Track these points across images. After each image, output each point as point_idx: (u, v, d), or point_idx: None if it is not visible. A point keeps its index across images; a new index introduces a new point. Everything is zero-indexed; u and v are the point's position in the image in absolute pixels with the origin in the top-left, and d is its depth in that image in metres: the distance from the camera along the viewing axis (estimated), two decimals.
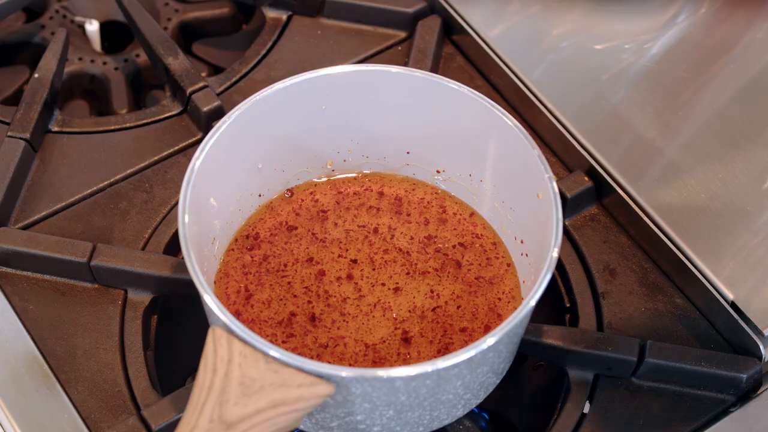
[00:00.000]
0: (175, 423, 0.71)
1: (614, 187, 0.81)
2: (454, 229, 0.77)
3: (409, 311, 0.73)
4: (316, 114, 0.76)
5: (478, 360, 0.65)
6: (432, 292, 0.74)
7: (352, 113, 0.76)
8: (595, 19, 0.91)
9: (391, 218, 0.78)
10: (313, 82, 0.74)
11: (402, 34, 0.93)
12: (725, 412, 0.75)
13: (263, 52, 0.92)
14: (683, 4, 0.92)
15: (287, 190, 0.79)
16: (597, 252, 0.81)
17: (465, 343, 0.71)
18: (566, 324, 0.80)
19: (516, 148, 0.72)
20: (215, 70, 0.98)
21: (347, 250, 0.76)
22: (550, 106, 0.85)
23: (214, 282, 0.74)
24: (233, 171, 0.74)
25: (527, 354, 0.80)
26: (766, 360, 0.75)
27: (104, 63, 0.96)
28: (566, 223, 0.82)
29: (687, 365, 0.74)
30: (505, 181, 0.75)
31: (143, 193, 0.83)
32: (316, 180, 0.79)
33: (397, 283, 0.74)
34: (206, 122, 0.86)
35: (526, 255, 0.74)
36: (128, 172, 0.84)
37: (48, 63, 0.88)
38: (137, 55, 0.97)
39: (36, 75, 0.87)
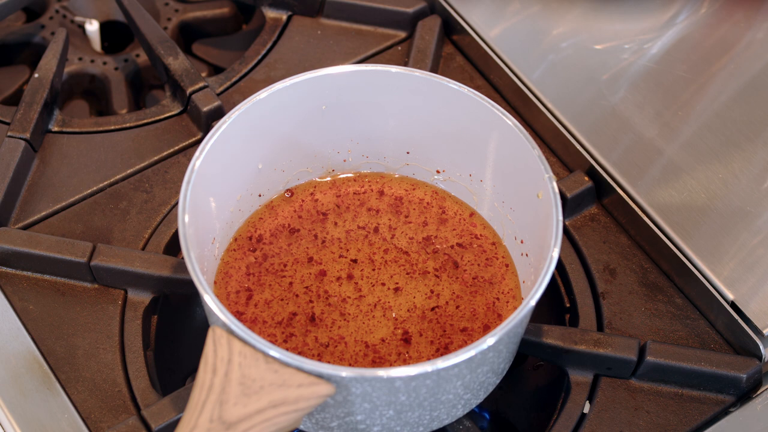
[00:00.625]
0: (175, 423, 0.72)
1: (614, 187, 0.81)
2: (454, 229, 0.77)
3: (409, 311, 0.73)
4: (316, 114, 0.76)
5: (478, 360, 0.65)
6: (432, 292, 0.74)
7: (352, 113, 0.76)
8: (595, 19, 0.91)
9: (391, 218, 0.78)
10: (313, 82, 0.74)
11: (402, 34, 0.93)
12: (725, 412, 0.75)
13: (263, 52, 0.92)
14: (683, 4, 0.92)
15: (287, 190, 0.79)
16: (597, 252, 0.81)
17: (465, 343, 0.71)
18: (566, 324, 0.80)
19: (516, 148, 0.72)
20: (215, 70, 0.98)
21: (347, 250, 0.76)
22: (550, 106, 0.85)
23: (214, 282, 0.74)
24: (233, 171, 0.74)
25: (527, 354, 0.80)
26: (766, 360, 0.76)
27: (104, 63, 0.96)
28: (566, 223, 0.82)
29: (687, 365, 0.74)
30: (505, 181, 0.75)
31: (143, 193, 0.83)
32: (316, 180, 0.79)
33: (397, 283, 0.74)
34: (206, 122, 0.86)
35: (526, 255, 0.74)
36: (128, 172, 0.84)
37: (48, 63, 0.88)
38: (137, 55, 0.97)
39: (36, 75, 0.87)
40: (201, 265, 0.68)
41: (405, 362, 0.71)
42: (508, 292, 0.74)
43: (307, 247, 0.76)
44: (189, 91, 0.86)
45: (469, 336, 0.72)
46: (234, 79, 0.90)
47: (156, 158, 0.85)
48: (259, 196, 0.78)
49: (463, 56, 0.91)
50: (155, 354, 0.78)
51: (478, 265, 0.75)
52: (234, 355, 0.63)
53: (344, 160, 0.79)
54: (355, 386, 0.63)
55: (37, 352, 0.76)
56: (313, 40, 0.92)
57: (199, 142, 0.85)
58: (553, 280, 0.81)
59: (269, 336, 0.72)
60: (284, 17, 0.94)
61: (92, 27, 0.98)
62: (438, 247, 0.76)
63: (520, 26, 0.91)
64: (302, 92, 0.74)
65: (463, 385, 0.67)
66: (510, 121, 0.72)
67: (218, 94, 0.88)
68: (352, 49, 0.92)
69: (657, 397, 0.75)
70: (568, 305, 0.80)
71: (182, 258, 0.78)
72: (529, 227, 0.73)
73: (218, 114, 0.85)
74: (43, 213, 0.82)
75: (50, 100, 0.86)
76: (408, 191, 0.79)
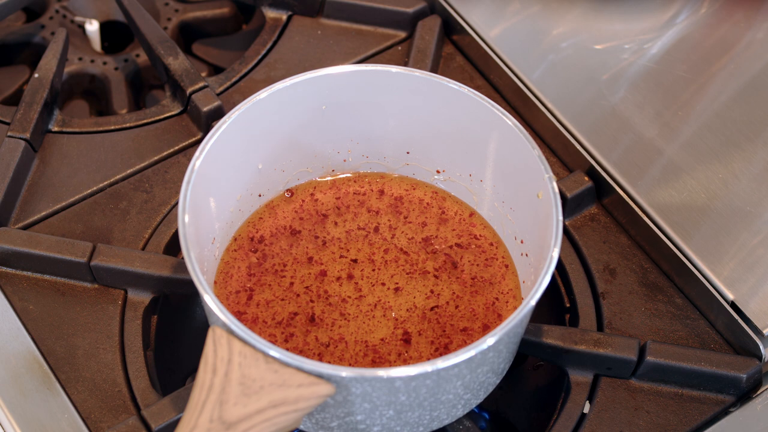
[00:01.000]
0: (175, 423, 0.72)
1: (614, 187, 0.81)
2: (454, 229, 0.77)
3: (409, 311, 0.73)
4: (316, 114, 0.76)
5: (478, 360, 0.65)
6: (432, 292, 0.74)
7: (352, 113, 0.76)
8: (595, 19, 0.91)
9: (391, 218, 0.78)
10: (313, 82, 0.74)
11: (402, 34, 0.93)
12: (725, 412, 0.75)
13: (263, 52, 0.92)
14: (683, 4, 0.92)
15: (287, 190, 0.79)
16: (597, 252, 0.81)
17: (465, 343, 0.71)
18: (566, 324, 0.80)
19: (516, 148, 0.72)
20: (215, 70, 0.98)
21: (348, 250, 0.76)
22: (550, 106, 0.85)
23: (214, 282, 0.74)
24: (233, 171, 0.74)
25: (527, 354, 0.80)
26: (766, 360, 0.76)
27: (104, 63, 0.96)
28: (566, 223, 0.82)
29: (687, 365, 0.74)
30: (505, 181, 0.75)
31: (143, 193, 0.83)
32: (316, 180, 0.79)
33: (397, 283, 0.74)
34: (206, 122, 0.86)
35: (526, 255, 0.74)
36: (128, 172, 0.84)
37: (48, 63, 0.88)
38: (137, 55, 0.97)
39: (36, 75, 0.87)
40: (201, 265, 0.68)
41: (405, 362, 0.71)
42: (508, 292, 0.74)
43: (308, 247, 0.76)
44: (189, 91, 0.86)
45: (469, 336, 0.72)
46: (234, 79, 0.90)
47: (156, 158, 0.85)
48: (259, 196, 0.77)
49: (463, 56, 0.91)
50: (155, 354, 0.78)
51: (478, 265, 0.75)
52: (234, 355, 0.63)
53: (344, 160, 0.79)
54: (355, 386, 0.63)
55: (37, 352, 0.76)
56: (313, 40, 0.92)
57: (199, 142, 0.85)
58: (553, 280, 0.81)
59: (269, 336, 0.72)
60: (284, 17, 0.94)
61: (92, 27, 0.98)
62: (438, 247, 0.76)
63: (520, 26, 0.91)
64: (302, 92, 0.74)
65: (463, 385, 0.67)
66: (510, 121, 0.72)
67: (218, 94, 0.88)
68: (352, 49, 0.92)
69: (657, 397, 0.75)
70: (568, 305, 0.80)
71: (182, 258, 0.78)
72: (529, 227, 0.73)
73: (218, 114, 0.85)
74: (43, 213, 0.82)
75: (50, 100, 0.86)
76: (408, 191, 0.79)
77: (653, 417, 0.74)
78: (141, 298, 0.78)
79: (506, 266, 0.75)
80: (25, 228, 0.81)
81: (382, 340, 0.72)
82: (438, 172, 0.79)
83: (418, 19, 0.92)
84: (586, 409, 0.75)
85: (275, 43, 0.92)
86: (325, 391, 0.62)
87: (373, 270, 0.75)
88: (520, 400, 0.83)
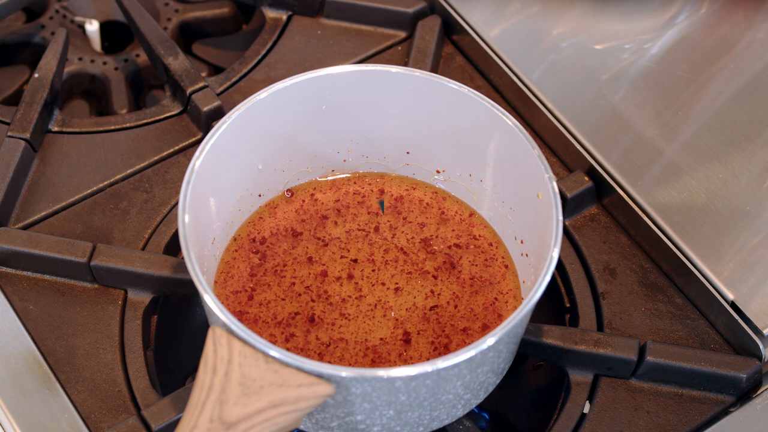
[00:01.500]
0: (175, 423, 0.72)
1: (614, 187, 0.82)
2: (454, 229, 0.77)
3: (409, 311, 0.73)
4: (316, 114, 0.76)
5: (478, 360, 0.65)
6: (432, 292, 0.74)
7: (352, 113, 0.76)
8: (595, 19, 0.91)
9: (391, 218, 0.78)
10: (313, 82, 0.74)
11: (402, 34, 0.93)
12: (725, 412, 0.75)
13: (263, 52, 0.92)
14: (683, 4, 0.92)
15: (287, 190, 0.79)
16: (597, 252, 0.81)
17: (465, 343, 0.71)
18: (566, 324, 0.80)
19: (516, 148, 0.72)
20: (215, 70, 0.98)
21: (348, 250, 0.76)
22: (550, 106, 0.85)
23: (215, 282, 0.74)
24: (233, 171, 0.74)
25: (527, 354, 0.80)
26: (766, 360, 0.76)
27: (104, 63, 0.96)
28: (566, 223, 0.82)
29: (687, 365, 0.74)
30: (505, 181, 0.75)
31: (143, 193, 0.83)
32: (316, 180, 0.79)
33: (397, 283, 0.74)
34: (206, 122, 0.86)
35: (526, 255, 0.74)
36: (128, 172, 0.84)
37: (48, 63, 0.88)
38: (137, 55, 0.97)
39: (36, 75, 0.87)
40: (201, 265, 0.68)
41: (405, 362, 0.71)
42: (508, 292, 0.74)
43: (308, 247, 0.76)
44: (189, 91, 0.86)
45: (469, 336, 0.72)
46: (234, 79, 0.90)
47: (156, 158, 0.85)
48: (259, 196, 0.77)
49: (463, 56, 0.91)
50: (155, 354, 0.78)
51: (478, 265, 0.75)
52: (234, 355, 0.63)
53: (344, 160, 0.79)
54: (355, 386, 0.63)
55: (37, 352, 0.76)
56: (313, 40, 0.92)
57: (199, 142, 0.85)
58: (553, 280, 0.81)
59: (269, 336, 0.72)
60: (284, 17, 0.94)
61: (92, 27, 0.98)
62: (438, 247, 0.76)
63: (520, 26, 0.91)
64: (302, 92, 0.74)
65: (463, 385, 0.67)
66: (510, 121, 0.72)
67: (218, 94, 0.88)
68: (352, 49, 0.92)
69: (657, 397, 0.75)
70: (568, 305, 0.80)
71: (182, 258, 0.78)
72: (529, 227, 0.73)
73: (218, 114, 0.85)
74: (43, 213, 0.82)
75: (50, 100, 0.86)
76: (408, 191, 0.79)
77: (653, 417, 0.74)
78: (141, 298, 0.78)
79: (506, 266, 0.75)
80: (25, 228, 0.81)
81: (382, 340, 0.72)
82: (438, 172, 0.79)
83: (418, 19, 0.92)
84: (586, 409, 0.75)
85: (275, 43, 0.92)
86: (325, 391, 0.62)
87: (373, 270, 0.75)
88: (520, 400, 0.83)
